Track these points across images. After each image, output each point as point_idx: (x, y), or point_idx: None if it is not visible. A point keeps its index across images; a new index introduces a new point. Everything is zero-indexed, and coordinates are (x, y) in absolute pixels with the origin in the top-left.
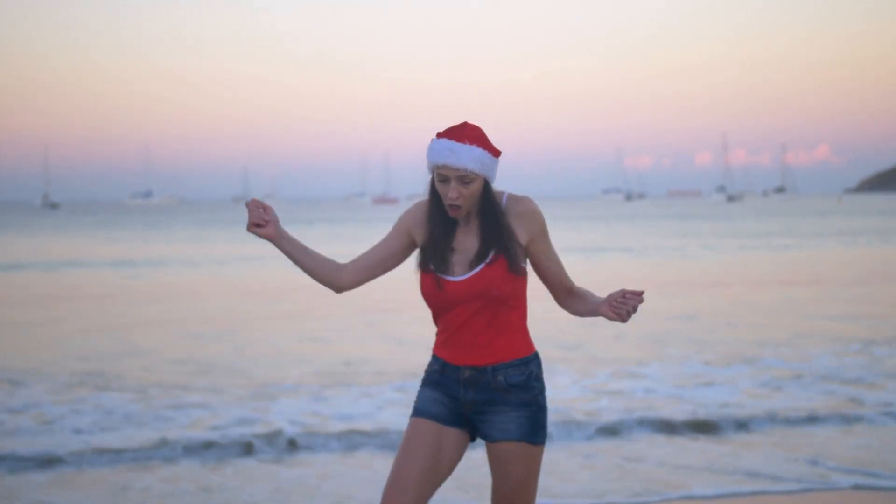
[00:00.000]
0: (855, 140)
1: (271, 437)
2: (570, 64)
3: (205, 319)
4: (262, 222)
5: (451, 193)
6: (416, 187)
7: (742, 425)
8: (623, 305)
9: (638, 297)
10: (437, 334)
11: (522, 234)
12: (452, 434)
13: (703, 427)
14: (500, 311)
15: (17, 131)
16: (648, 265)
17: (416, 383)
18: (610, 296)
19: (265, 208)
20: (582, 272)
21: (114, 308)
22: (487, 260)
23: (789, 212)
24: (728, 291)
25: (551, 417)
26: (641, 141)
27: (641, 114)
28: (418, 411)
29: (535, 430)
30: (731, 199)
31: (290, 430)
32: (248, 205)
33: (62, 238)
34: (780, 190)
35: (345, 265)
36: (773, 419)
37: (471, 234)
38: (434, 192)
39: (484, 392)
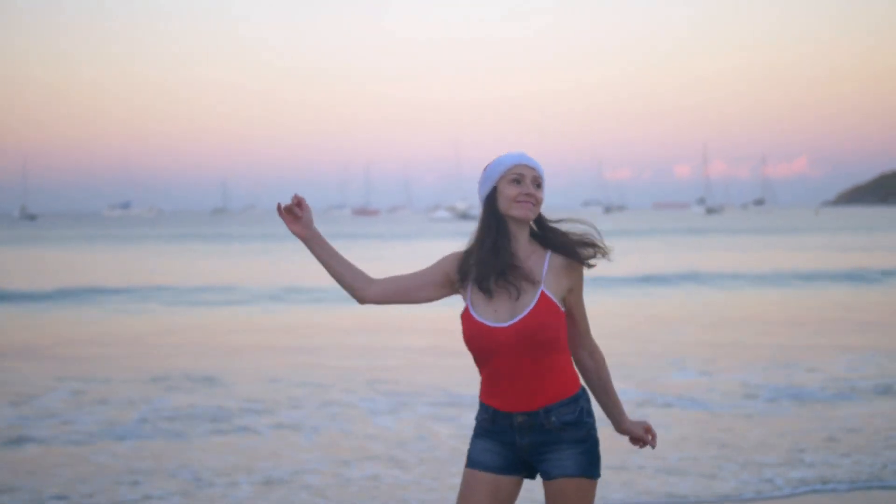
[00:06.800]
0: (833, 153)
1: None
2: (553, 81)
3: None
4: (297, 213)
5: (528, 189)
6: (396, 199)
7: None
8: (651, 441)
9: (653, 440)
10: (483, 382)
11: (564, 281)
12: (507, 481)
13: None
14: (548, 353)
15: None
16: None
17: None
18: (638, 427)
19: (301, 205)
20: None
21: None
22: (535, 301)
23: (771, 226)
24: None
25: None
26: (621, 153)
27: (621, 126)
28: (472, 462)
29: (591, 464)
30: (710, 211)
31: None
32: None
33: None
34: (760, 202)
35: (376, 280)
36: None
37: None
38: (490, 221)
39: (539, 434)
